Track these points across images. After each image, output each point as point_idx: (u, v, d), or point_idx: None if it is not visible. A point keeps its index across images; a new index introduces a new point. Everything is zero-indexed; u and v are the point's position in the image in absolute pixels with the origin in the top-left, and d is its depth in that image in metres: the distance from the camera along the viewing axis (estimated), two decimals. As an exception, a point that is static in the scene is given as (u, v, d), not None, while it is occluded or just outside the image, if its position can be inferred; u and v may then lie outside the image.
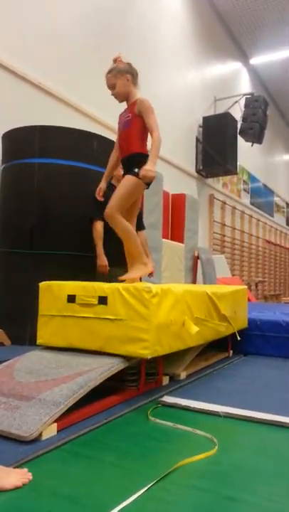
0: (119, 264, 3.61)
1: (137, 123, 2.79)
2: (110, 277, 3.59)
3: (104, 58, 5.86)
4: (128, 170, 2.80)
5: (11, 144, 4.06)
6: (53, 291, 2.67)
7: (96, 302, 2.47)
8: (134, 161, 2.77)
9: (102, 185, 3.10)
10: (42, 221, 3.84)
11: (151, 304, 2.33)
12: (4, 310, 3.89)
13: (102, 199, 3.07)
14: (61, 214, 3.85)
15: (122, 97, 2.85)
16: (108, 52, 5.89)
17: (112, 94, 2.87)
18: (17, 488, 1.35)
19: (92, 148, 4.08)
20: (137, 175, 2.73)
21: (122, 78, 2.82)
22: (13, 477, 1.38)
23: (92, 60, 5.64)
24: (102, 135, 4.32)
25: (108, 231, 3.68)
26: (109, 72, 2.86)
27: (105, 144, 4.21)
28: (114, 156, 3.08)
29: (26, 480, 1.40)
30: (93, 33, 5.69)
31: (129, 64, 2.88)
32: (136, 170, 2.74)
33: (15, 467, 1.49)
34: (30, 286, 3.59)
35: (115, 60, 2.89)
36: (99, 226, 3.65)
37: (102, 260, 3.61)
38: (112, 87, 2.85)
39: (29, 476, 1.42)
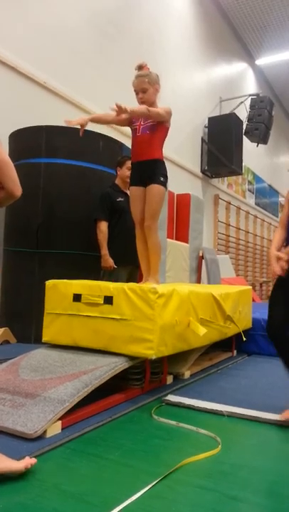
0: (122, 263, 3.63)
1: (160, 130, 2.85)
2: (114, 277, 3.61)
3: (109, 58, 5.90)
4: (151, 178, 2.86)
5: (17, 144, 4.08)
6: (58, 290, 2.69)
7: (102, 302, 2.48)
8: (156, 167, 2.86)
9: (83, 120, 2.78)
10: (48, 220, 3.86)
11: (156, 305, 2.34)
12: (10, 308, 3.91)
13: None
14: (67, 213, 3.87)
15: (148, 103, 2.83)
16: (113, 53, 5.93)
17: (140, 98, 2.86)
18: (21, 470, 1.41)
19: (97, 148, 4.09)
20: (163, 184, 2.87)
21: (154, 87, 2.84)
22: (19, 463, 1.43)
23: (98, 59, 5.65)
24: (108, 135, 4.33)
25: (112, 231, 3.69)
26: (143, 76, 2.84)
27: (111, 143, 4.23)
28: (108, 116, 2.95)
29: (29, 465, 1.43)
30: (98, 33, 5.70)
31: (157, 75, 2.90)
32: (162, 179, 2.86)
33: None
34: (35, 284, 3.62)
35: (141, 67, 2.88)
36: (103, 227, 3.66)
37: (107, 261, 3.62)
38: (143, 91, 2.84)
39: (32, 461, 1.46)
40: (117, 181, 3.82)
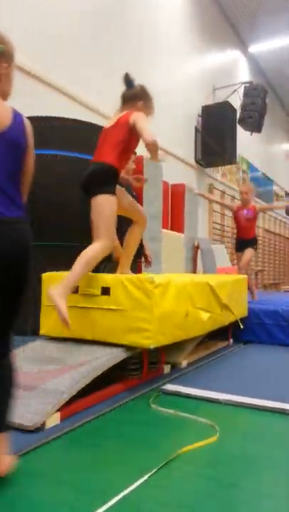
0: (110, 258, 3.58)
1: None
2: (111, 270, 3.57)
3: (103, 48, 5.83)
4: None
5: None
6: (55, 282, 2.68)
7: (99, 293, 2.48)
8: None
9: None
10: (42, 212, 3.83)
11: (153, 295, 2.34)
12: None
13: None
14: (61, 205, 3.84)
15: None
16: (106, 42, 5.86)
17: None
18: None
19: (89, 138, 4.06)
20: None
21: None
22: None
23: (90, 48, 5.58)
24: (100, 125, 4.30)
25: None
26: None
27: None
28: None
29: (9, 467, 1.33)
30: (92, 23, 5.63)
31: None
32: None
33: (19, 456, 1.51)
34: (31, 277, 3.60)
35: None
36: None
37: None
38: None
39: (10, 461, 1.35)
40: (122, 173, 3.73)
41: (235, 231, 10.15)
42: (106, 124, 2.78)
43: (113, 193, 2.55)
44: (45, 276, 2.75)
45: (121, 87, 2.82)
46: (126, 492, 1.28)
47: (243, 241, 4.98)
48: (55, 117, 4.03)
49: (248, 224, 4.97)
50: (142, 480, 1.34)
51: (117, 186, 2.66)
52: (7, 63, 1.48)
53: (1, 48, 1.46)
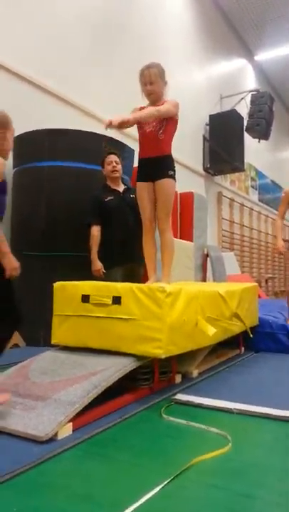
0: (119, 264, 3.57)
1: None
2: (112, 278, 3.56)
3: (109, 58, 5.89)
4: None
5: (20, 149, 4.10)
6: (67, 292, 2.70)
7: (110, 302, 2.49)
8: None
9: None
10: (53, 223, 3.87)
11: (164, 304, 2.34)
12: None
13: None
14: (71, 215, 3.87)
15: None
16: (113, 53, 5.92)
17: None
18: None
19: (100, 149, 4.10)
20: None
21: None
22: None
23: (98, 60, 5.66)
24: (110, 136, 4.34)
25: (104, 232, 3.62)
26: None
27: (113, 144, 4.23)
28: None
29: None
30: (96, 34, 5.70)
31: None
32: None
33: (31, 467, 1.52)
34: (43, 287, 3.62)
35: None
36: (94, 231, 3.58)
37: (96, 265, 3.55)
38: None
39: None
40: (107, 181, 3.77)
41: (244, 239, 10.03)
42: None
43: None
44: (57, 285, 2.77)
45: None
46: (138, 503, 1.27)
47: None
48: (66, 129, 4.08)
49: None
50: (154, 491, 1.34)
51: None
52: (3, 130, 2.10)
53: None
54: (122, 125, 2.57)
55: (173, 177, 2.87)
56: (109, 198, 3.60)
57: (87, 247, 3.74)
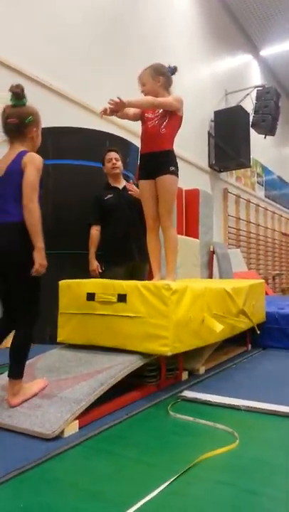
0: (120, 262, 3.55)
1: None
2: (112, 277, 3.53)
3: (114, 56, 5.89)
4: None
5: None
6: (72, 290, 2.70)
7: (115, 300, 2.48)
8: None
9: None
10: (59, 221, 3.87)
11: (170, 301, 2.33)
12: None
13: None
14: (77, 213, 3.87)
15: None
16: (118, 51, 5.91)
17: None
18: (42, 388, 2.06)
19: (104, 147, 4.10)
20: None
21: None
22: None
23: (102, 58, 5.65)
24: (115, 134, 4.34)
25: (105, 231, 3.61)
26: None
27: (118, 142, 4.22)
28: None
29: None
30: (101, 31, 5.70)
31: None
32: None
33: (38, 464, 1.52)
34: (48, 285, 3.63)
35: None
36: (94, 231, 3.58)
37: (92, 264, 3.55)
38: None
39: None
40: (108, 179, 3.76)
41: (250, 235, 10.02)
42: None
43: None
44: (62, 283, 2.77)
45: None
46: (146, 500, 1.27)
47: None
48: (70, 127, 4.08)
49: None
50: (161, 488, 1.33)
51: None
52: (36, 128, 2.18)
53: (30, 118, 2.12)
54: (118, 110, 2.57)
55: (174, 173, 2.82)
56: (108, 196, 3.58)
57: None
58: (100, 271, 3.53)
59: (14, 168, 2.02)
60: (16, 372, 2.01)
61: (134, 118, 2.87)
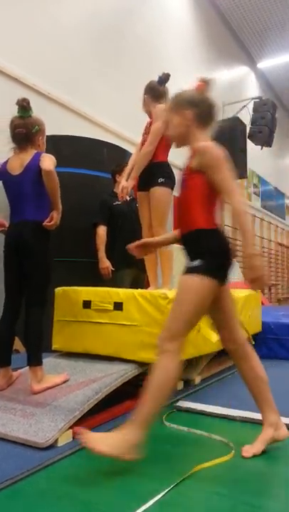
0: (125, 266, 3.59)
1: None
2: (120, 279, 3.57)
3: (111, 66, 5.93)
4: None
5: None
6: (68, 297, 2.69)
7: (112, 308, 2.48)
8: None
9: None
10: (55, 229, 3.86)
11: (167, 310, 2.32)
12: (19, 318, 3.91)
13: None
14: (74, 221, 3.86)
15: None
16: (115, 60, 5.96)
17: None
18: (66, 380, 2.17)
19: (102, 155, 4.11)
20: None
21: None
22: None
23: (100, 67, 5.68)
24: (112, 142, 4.36)
25: (112, 235, 3.66)
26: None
27: (115, 151, 4.24)
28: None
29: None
30: (99, 42, 5.74)
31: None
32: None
33: (31, 474, 1.50)
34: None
35: None
36: (101, 231, 3.66)
37: (104, 263, 3.61)
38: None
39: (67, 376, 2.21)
40: (116, 188, 3.80)
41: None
42: None
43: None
44: (58, 291, 2.76)
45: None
46: (141, 510, 1.25)
47: None
48: (69, 136, 4.09)
49: None
50: (156, 498, 1.32)
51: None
52: (42, 136, 2.45)
53: (37, 128, 2.37)
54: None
55: (164, 184, 2.83)
56: (116, 202, 3.65)
57: (91, 253, 3.74)
58: (113, 269, 3.56)
59: (33, 164, 2.28)
60: (36, 358, 2.17)
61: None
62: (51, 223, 2.32)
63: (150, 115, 2.96)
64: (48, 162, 2.25)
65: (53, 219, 2.32)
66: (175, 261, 3.03)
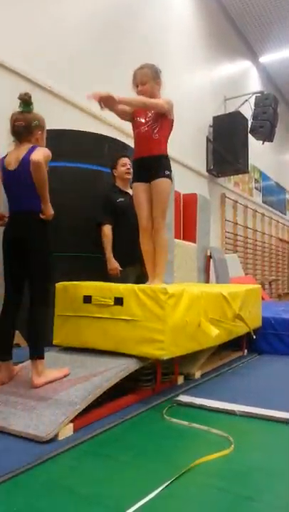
0: (130, 263, 3.59)
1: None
2: (125, 277, 3.57)
3: (112, 60, 5.90)
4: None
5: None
6: (69, 292, 2.69)
7: (112, 303, 2.48)
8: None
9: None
10: (55, 224, 3.85)
11: (167, 305, 2.33)
12: (19, 312, 3.92)
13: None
14: (74, 216, 3.86)
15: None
16: (116, 54, 5.93)
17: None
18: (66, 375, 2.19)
19: (102, 150, 4.10)
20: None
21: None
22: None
23: (101, 61, 5.66)
24: (112, 137, 4.34)
25: (116, 232, 3.65)
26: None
27: (115, 145, 4.23)
28: None
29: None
30: (101, 36, 5.71)
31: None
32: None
33: (32, 467, 1.51)
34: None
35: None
36: (107, 230, 3.61)
37: (112, 263, 3.58)
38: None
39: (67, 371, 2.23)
40: (117, 182, 3.80)
41: (247, 240, 10.03)
42: None
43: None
44: (59, 286, 2.76)
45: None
46: (140, 504, 1.26)
47: None
48: (70, 130, 4.08)
49: None
50: (155, 492, 1.33)
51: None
52: (41, 131, 2.45)
53: (36, 123, 2.39)
54: (107, 103, 2.62)
55: (169, 177, 2.85)
56: (120, 199, 3.65)
57: (93, 248, 3.73)
58: (121, 269, 3.57)
59: (27, 157, 2.28)
60: (37, 351, 2.20)
61: (126, 117, 2.90)
62: (46, 215, 2.39)
63: (143, 91, 2.81)
64: (38, 154, 2.27)
65: (45, 212, 2.38)
66: (175, 258, 3.03)
